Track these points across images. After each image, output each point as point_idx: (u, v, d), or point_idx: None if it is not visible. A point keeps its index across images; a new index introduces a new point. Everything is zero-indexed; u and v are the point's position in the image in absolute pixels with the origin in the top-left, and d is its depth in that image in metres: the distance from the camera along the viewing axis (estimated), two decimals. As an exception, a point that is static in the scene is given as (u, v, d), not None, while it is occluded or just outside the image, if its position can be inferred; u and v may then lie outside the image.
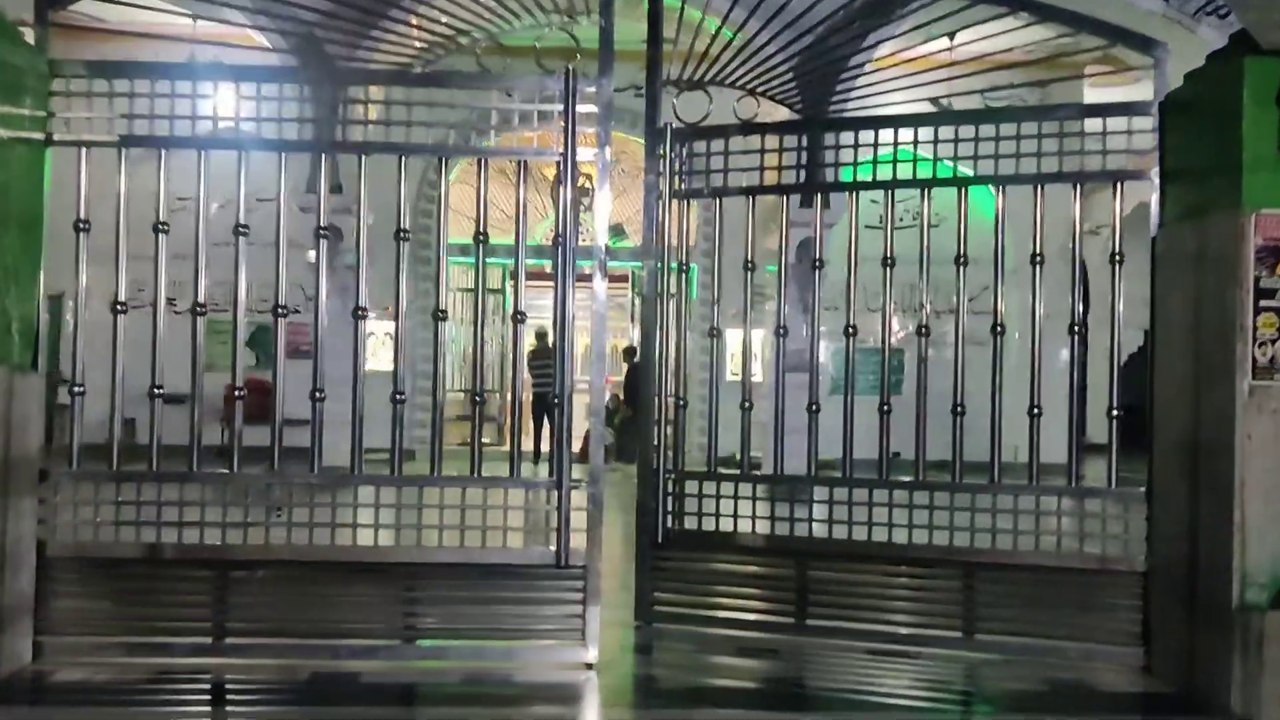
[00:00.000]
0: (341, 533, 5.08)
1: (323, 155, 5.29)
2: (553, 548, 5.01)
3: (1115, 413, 5.27)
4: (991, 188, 5.63)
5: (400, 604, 5.06)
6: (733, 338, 9.05)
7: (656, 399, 5.87)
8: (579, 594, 5.04)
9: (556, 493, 5.01)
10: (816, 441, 5.76)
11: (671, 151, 5.91)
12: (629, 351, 17.23)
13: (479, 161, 5.26)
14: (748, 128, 5.92)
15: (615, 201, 14.96)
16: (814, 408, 5.72)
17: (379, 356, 13.87)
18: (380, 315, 11.30)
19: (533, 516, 5.18)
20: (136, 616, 4.99)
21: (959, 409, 5.47)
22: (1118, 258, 5.27)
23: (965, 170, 5.64)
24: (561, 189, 5.08)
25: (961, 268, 5.45)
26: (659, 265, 5.89)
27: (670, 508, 5.89)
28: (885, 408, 5.62)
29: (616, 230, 17.79)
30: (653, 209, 5.93)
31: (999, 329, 5.48)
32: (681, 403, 5.96)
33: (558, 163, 5.13)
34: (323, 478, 5.13)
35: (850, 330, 5.73)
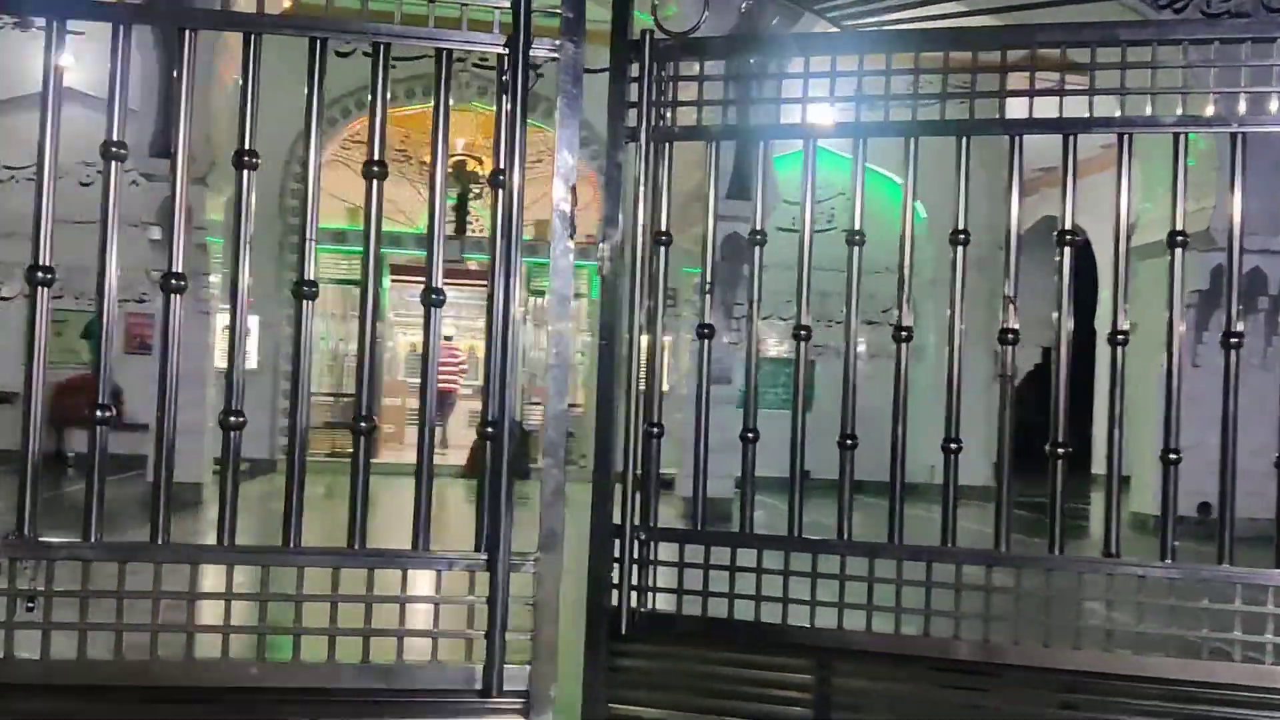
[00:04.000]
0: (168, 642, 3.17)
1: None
2: (479, 665, 3.18)
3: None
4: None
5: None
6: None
7: (623, 426, 4.07)
8: (518, 736, 3.22)
9: (490, 575, 3.18)
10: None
11: (651, 74, 4.12)
12: None
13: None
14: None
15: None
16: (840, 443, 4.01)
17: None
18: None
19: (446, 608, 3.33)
20: None
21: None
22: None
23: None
24: (507, 100, 3.21)
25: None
26: (632, 234, 4.10)
27: (638, 581, 4.11)
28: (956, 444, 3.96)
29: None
30: (616, 155, 4.16)
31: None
32: (656, 431, 4.17)
33: (502, 58, 3.28)
34: (102, 550, 3.18)
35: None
